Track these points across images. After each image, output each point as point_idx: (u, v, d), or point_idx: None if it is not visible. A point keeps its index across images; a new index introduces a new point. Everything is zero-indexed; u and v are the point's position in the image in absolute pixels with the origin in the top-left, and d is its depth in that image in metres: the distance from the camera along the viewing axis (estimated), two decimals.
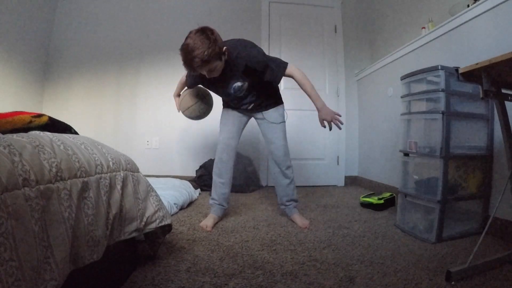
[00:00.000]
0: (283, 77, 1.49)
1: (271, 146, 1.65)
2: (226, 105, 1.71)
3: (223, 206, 1.65)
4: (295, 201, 1.70)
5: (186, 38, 1.26)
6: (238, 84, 1.47)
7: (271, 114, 1.64)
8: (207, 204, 2.06)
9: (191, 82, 1.58)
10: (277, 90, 1.69)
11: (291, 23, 3.10)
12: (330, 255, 1.17)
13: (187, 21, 3.08)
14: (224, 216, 1.72)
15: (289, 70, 1.47)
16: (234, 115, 1.68)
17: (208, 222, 1.55)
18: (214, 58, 1.26)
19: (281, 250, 1.22)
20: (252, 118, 1.73)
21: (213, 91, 1.64)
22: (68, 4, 3.08)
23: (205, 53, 1.22)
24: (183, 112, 1.69)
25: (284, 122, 1.66)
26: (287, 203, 1.68)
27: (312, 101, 1.48)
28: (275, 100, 1.66)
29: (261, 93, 1.59)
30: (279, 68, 1.46)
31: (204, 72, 1.31)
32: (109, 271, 0.86)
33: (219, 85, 1.51)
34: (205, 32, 1.25)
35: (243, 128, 1.72)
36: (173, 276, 0.96)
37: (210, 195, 1.70)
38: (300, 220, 1.62)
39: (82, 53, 3.05)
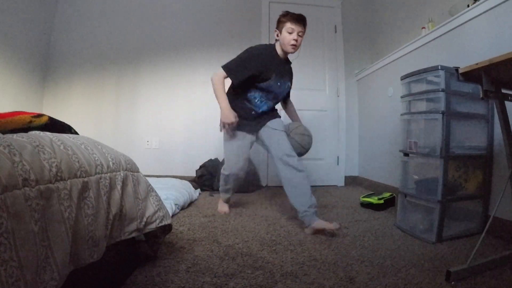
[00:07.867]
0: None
1: (278, 151, 1.55)
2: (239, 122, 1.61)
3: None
4: (315, 205, 1.44)
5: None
6: (288, 84, 1.73)
7: (275, 122, 1.72)
8: (207, 204, 2.06)
9: (244, 75, 1.53)
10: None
11: None
12: (330, 255, 1.17)
13: (186, 22, 3.09)
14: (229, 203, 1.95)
15: None
16: (245, 139, 1.68)
17: (225, 208, 1.86)
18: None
19: (281, 250, 1.22)
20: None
21: (269, 78, 1.59)
22: (68, 5, 3.08)
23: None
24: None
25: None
26: (309, 209, 1.41)
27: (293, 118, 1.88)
28: (276, 112, 1.80)
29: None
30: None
31: (298, 31, 1.55)
32: (109, 271, 0.86)
33: (282, 74, 1.64)
34: None
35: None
36: (173, 276, 0.96)
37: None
38: (327, 224, 1.37)
39: (82, 53, 3.05)
